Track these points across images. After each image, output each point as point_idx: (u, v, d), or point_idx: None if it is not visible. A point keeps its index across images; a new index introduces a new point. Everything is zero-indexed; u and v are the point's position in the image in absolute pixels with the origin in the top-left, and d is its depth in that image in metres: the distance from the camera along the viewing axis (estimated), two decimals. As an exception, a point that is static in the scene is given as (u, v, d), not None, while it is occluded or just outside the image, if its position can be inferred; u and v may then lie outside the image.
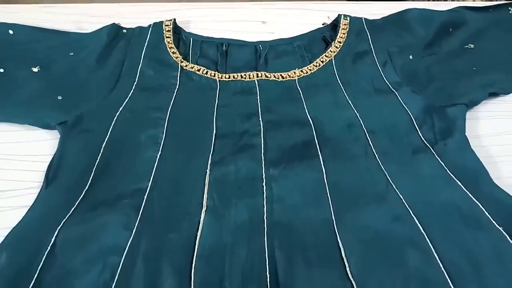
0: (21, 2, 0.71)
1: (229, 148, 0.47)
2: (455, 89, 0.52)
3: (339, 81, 0.54)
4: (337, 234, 0.40)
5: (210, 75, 0.55)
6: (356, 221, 0.41)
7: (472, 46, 0.58)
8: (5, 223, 0.41)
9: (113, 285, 0.36)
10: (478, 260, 0.37)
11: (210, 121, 0.50)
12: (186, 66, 0.56)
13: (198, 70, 0.55)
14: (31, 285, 0.36)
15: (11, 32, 0.58)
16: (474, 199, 0.42)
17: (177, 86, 0.53)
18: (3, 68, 0.54)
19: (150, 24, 0.60)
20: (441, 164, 0.45)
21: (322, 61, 0.56)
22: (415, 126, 0.49)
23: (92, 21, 0.61)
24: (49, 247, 0.38)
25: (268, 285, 0.37)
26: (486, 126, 0.51)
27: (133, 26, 0.60)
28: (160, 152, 0.46)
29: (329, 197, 0.42)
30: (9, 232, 0.40)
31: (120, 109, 0.50)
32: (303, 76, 0.55)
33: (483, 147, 0.48)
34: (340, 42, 0.58)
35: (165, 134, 0.48)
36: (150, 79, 0.54)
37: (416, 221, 0.40)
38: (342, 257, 0.38)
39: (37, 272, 0.37)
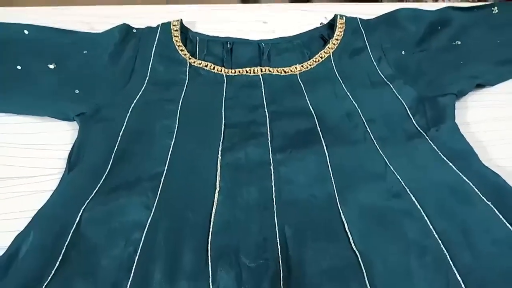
0: (30, 5, 0.73)
1: (238, 136, 0.50)
2: (445, 80, 0.56)
3: (337, 75, 0.58)
4: (340, 209, 0.43)
5: (217, 70, 0.58)
6: (357, 197, 0.44)
7: (459, 42, 0.61)
8: (31, 206, 0.43)
9: (136, 258, 0.39)
10: (470, 231, 0.41)
11: (219, 112, 0.53)
12: (194, 62, 0.59)
13: (206, 66, 0.58)
14: (58, 261, 0.39)
15: (26, 32, 0.61)
16: (465, 178, 0.45)
17: (187, 81, 0.56)
18: (20, 65, 0.57)
19: (159, 24, 0.63)
20: (434, 147, 0.48)
21: (321, 57, 0.60)
22: (409, 115, 0.52)
23: (102, 22, 0.64)
24: (74, 226, 0.41)
25: (280, 257, 0.39)
26: (474, 114, 0.55)
27: (142, 26, 0.63)
28: (174, 140, 0.49)
29: (332, 178, 0.46)
30: (36, 213, 0.42)
31: (135, 101, 0.53)
32: (304, 71, 0.58)
33: (471, 133, 0.52)
34: (337, 40, 0.62)
35: (178, 124, 0.51)
36: (161, 74, 0.57)
37: (412, 198, 0.43)
38: (346, 231, 0.41)
39: (64, 249, 0.40)
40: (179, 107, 0.53)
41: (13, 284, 0.37)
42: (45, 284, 0.37)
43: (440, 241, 0.40)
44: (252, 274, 0.38)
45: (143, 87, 0.55)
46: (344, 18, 0.64)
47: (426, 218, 0.42)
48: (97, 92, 0.54)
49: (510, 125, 0.54)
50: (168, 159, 0.47)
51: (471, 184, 0.44)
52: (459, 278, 0.38)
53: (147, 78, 0.56)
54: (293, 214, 0.43)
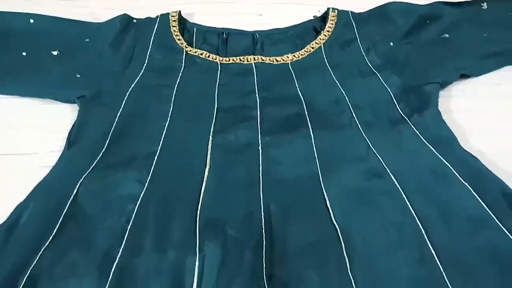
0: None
1: (229, 119, 0.53)
2: (430, 70, 0.58)
3: (327, 65, 0.60)
4: (323, 188, 0.45)
5: (212, 58, 0.60)
6: (339, 177, 0.46)
7: (447, 35, 0.63)
8: (32, 180, 0.46)
9: (129, 228, 0.41)
10: (446, 209, 0.43)
11: (212, 97, 0.55)
12: (190, 51, 0.61)
13: (201, 54, 0.61)
14: (55, 229, 0.41)
15: (32, 21, 0.63)
16: (444, 161, 0.47)
17: (183, 68, 0.59)
18: (25, 51, 0.59)
19: (158, 15, 0.66)
20: (416, 132, 0.50)
21: (313, 47, 0.62)
22: (394, 102, 0.54)
23: (105, 14, 0.66)
24: (71, 197, 0.43)
25: (264, 229, 0.42)
26: (457, 102, 0.57)
27: (142, 17, 0.66)
28: (168, 122, 0.52)
29: (316, 159, 0.48)
30: (36, 186, 0.45)
31: (132, 85, 0.55)
32: (295, 60, 0.61)
33: (454, 120, 0.54)
34: (328, 31, 0.64)
35: (173, 107, 0.53)
36: (158, 61, 0.59)
37: (393, 178, 0.45)
38: (327, 208, 0.43)
39: (61, 218, 0.42)
40: (174, 92, 0.55)
41: (14, 249, 0.40)
42: (42, 249, 0.39)
43: (416, 218, 0.42)
44: (236, 243, 0.40)
45: (141, 73, 0.57)
46: (336, 11, 0.66)
47: (404, 197, 0.44)
48: (97, 77, 0.57)
49: (491, 114, 0.55)
50: (162, 139, 0.50)
51: (450, 167, 0.46)
52: (433, 252, 0.39)
53: (145, 64, 0.59)
54: (278, 192, 0.45)
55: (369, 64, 0.59)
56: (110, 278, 0.38)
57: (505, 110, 0.56)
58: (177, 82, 0.56)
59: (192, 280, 0.38)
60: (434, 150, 0.48)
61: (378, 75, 0.58)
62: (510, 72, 0.60)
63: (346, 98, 0.55)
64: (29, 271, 0.38)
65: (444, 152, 0.48)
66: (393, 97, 0.55)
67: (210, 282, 0.37)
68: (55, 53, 0.59)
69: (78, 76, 0.56)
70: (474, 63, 0.60)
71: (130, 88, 0.55)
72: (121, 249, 0.40)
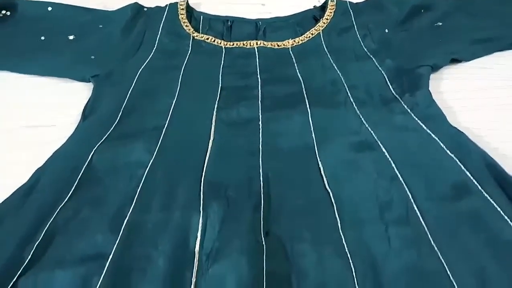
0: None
1: (232, 98, 0.56)
2: (423, 55, 0.60)
3: (325, 50, 0.63)
4: (318, 157, 0.48)
5: (217, 43, 0.64)
6: (333, 147, 0.49)
7: (440, 24, 0.66)
8: (50, 149, 0.49)
9: (138, 191, 0.44)
10: (432, 176, 0.45)
11: (217, 77, 0.58)
12: (196, 36, 0.65)
13: (207, 39, 0.64)
14: (70, 191, 0.44)
15: (50, 8, 0.67)
16: (432, 134, 0.49)
17: (189, 51, 0.62)
18: (44, 36, 0.64)
19: (167, 4, 0.69)
20: (407, 109, 0.53)
21: (312, 34, 0.65)
22: (387, 83, 0.57)
23: (116, 2, 0.70)
24: (86, 163, 0.46)
25: (262, 192, 0.44)
26: (447, 84, 0.59)
27: (152, 6, 0.69)
28: (175, 99, 0.55)
29: (312, 132, 0.51)
30: (53, 153, 0.48)
31: (142, 66, 0.59)
32: (296, 45, 0.64)
33: (444, 100, 0.56)
34: (327, 19, 0.67)
35: (180, 86, 0.57)
36: (167, 45, 0.63)
37: (383, 149, 0.48)
38: (321, 174, 0.46)
39: (76, 182, 0.45)
40: (181, 73, 0.59)
41: (32, 208, 0.43)
42: (58, 209, 0.42)
43: (404, 184, 0.44)
44: (236, 204, 0.43)
45: (151, 55, 0.61)
46: (335, 1, 0.69)
47: (393, 166, 0.46)
48: (110, 58, 0.60)
49: (480, 94, 0.58)
50: (170, 114, 0.53)
51: (438, 140, 0.48)
52: (418, 214, 0.42)
53: (154, 48, 0.62)
54: (276, 161, 0.48)
55: (365, 49, 0.62)
56: (120, 233, 0.40)
57: (493, 90, 0.58)
58: (184, 64, 0.60)
59: (196, 235, 0.41)
60: (423, 126, 0.50)
61: (373, 59, 0.60)
62: (499, 58, 0.63)
63: (342, 79, 0.58)
64: (46, 227, 0.41)
65: (433, 127, 0.50)
66: (387, 79, 0.57)
67: (212, 237, 0.40)
68: (71, 37, 0.63)
69: (93, 57, 0.60)
70: (465, 49, 0.62)
71: (141, 69, 0.58)
72: (131, 208, 0.43)
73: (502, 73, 0.61)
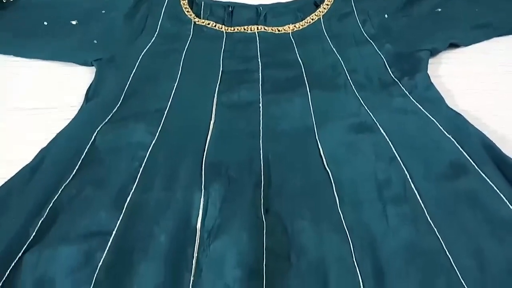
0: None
1: (233, 81, 0.56)
2: (422, 39, 0.60)
3: (326, 35, 0.63)
4: (317, 138, 0.48)
5: (218, 28, 0.64)
6: (333, 129, 0.49)
7: (439, 9, 0.66)
8: (53, 130, 0.49)
9: (141, 170, 0.45)
10: (430, 156, 0.45)
11: (218, 61, 0.58)
12: (198, 21, 0.65)
13: (208, 24, 0.64)
14: (74, 170, 0.44)
15: (53, -6, 0.67)
16: (430, 116, 0.49)
17: (191, 36, 0.62)
18: (46, 22, 0.64)
19: (169, -10, 0.69)
20: (405, 92, 0.53)
21: (312, 19, 0.65)
22: (386, 67, 0.57)
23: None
24: (89, 144, 0.47)
25: (262, 172, 0.45)
26: (446, 68, 0.59)
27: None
28: (177, 83, 0.55)
29: (312, 114, 0.51)
30: (57, 134, 0.49)
31: (144, 50, 0.59)
32: (296, 30, 0.64)
33: (442, 83, 0.56)
34: (327, 5, 0.67)
35: (181, 70, 0.57)
36: (169, 30, 0.63)
37: (382, 131, 0.48)
38: (321, 156, 0.46)
39: (80, 161, 0.45)
40: (183, 57, 0.59)
41: (37, 186, 0.43)
42: (63, 187, 0.43)
43: (402, 164, 0.45)
44: (237, 183, 0.44)
45: (152, 40, 0.61)
46: (335, -14, 0.69)
47: (392, 146, 0.46)
48: (112, 43, 0.61)
49: (479, 79, 0.58)
50: (171, 97, 0.53)
51: (435, 121, 0.49)
52: (416, 193, 0.42)
53: (156, 33, 0.62)
54: (276, 142, 0.48)
55: (365, 34, 0.62)
56: (123, 211, 0.41)
57: (492, 75, 0.58)
58: (186, 48, 0.60)
59: (198, 213, 0.41)
60: (422, 108, 0.51)
61: (373, 43, 0.60)
62: (498, 43, 0.63)
63: (342, 63, 0.58)
64: (50, 205, 0.41)
65: (431, 109, 0.50)
66: (386, 63, 0.57)
67: (213, 215, 0.41)
68: (74, 22, 0.63)
69: (95, 41, 0.60)
70: (464, 34, 0.63)
71: (143, 53, 0.59)
72: (133, 188, 0.43)
73: (501, 58, 0.61)
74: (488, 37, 0.63)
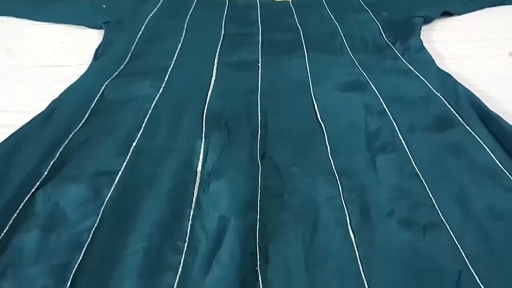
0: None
1: (234, 43, 0.58)
2: (416, 7, 0.62)
3: (324, 3, 0.64)
4: (312, 93, 0.50)
5: None
6: (327, 85, 0.51)
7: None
8: (64, 85, 0.51)
9: (146, 120, 0.46)
10: (416, 109, 0.47)
11: (220, 25, 0.60)
12: (201, -9, 0.66)
13: None
14: (84, 119, 0.46)
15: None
16: (422, 77, 0.51)
17: (194, 3, 0.64)
18: None
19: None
20: (398, 55, 0.54)
21: (312, -12, 0.66)
22: (381, 32, 0.58)
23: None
24: (98, 95, 0.49)
25: (259, 123, 0.46)
26: (438, 35, 0.61)
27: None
28: (180, 44, 0.57)
29: (308, 72, 0.53)
30: (68, 86, 0.51)
31: (150, 15, 0.61)
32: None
33: (434, 48, 0.58)
34: (327, -22, 0.68)
35: (185, 32, 0.59)
36: None
37: (374, 89, 0.50)
38: (315, 109, 0.48)
39: (89, 111, 0.47)
40: (187, 21, 0.61)
41: (50, 131, 0.45)
42: (73, 132, 0.45)
43: (391, 117, 0.46)
44: (236, 132, 0.45)
45: (159, 5, 0.63)
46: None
47: (382, 101, 0.48)
48: (120, 7, 0.63)
49: (470, 45, 0.59)
50: (175, 56, 0.55)
51: (425, 81, 0.50)
52: (403, 142, 0.44)
53: (161, 0, 0.64)
54: (273, 96, 0.50)
55: (362, 2, 0.63)
56: (129, 154, 0.43)
57: (483, 41, 0.60)
58: (190, 13, 0.62)
59: (199, 158, 0.43)
60: (413, 68, 0.52)
61: (369, 11, 0.62)
62: (490, 12, 0.64)
63: (339, 29, 0.59)
64: (61, 148, 0.43)
65: (421, 70, 0.52)
66: (381, 29, 0.59)
67: (213, 159, 0.42)
68: None
69: (104, 6, 0.62)
70: (458, 3, 0.64)
71: (149, 16, 0.61)
72: (139, 135, 0.45)
73: (493, 26, 0.61)
74: (481, 6, 0.64)
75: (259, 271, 0.33)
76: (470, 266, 0.33)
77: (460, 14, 0.63)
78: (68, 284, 0.33)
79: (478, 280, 0.32)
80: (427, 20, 0.60)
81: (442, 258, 0.34)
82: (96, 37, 0.59)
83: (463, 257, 0.34)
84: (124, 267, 0.34)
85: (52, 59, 0.57)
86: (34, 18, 0.63)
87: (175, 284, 0.33)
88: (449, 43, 0.59)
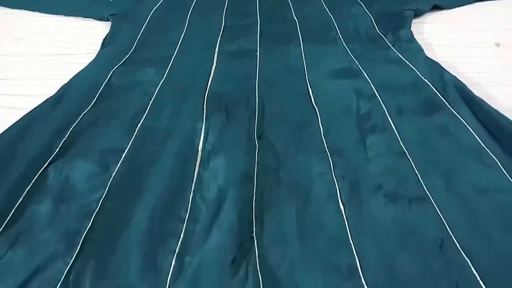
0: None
1: (233, 34, 0.60)
2: (407, 1, 0.64)
3: (320, -4, 0.66)
4: (307, 79, 0.52)
5: None
6: (321, 71, 0.53)
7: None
8: (73, 72, 0.53)
9: (150, 103, 0.49)
10: (406, 95, 0.49)
11: (220, 17, 0.63)
12: (202, -15, 0.69)
13: None
14: (91, 103, 0.49)
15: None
16: (411, 65, 0.53)
17: None
18: None
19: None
20: (389, 45, 0.56)
21: (308, -18, 0.68)
22: (373, 24, 0.61)
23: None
24: (105, 81, 0.51)
25: (257, 108, 0.48)
26: (428, 27, 0.63)
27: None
28: (183, 35, 0.59)
29: (304, 59, 0.55)
30: (76, 73, 0.53)
31: (155, 7, 0.64)
32: (293, -7, 0.67)
33: (425, 39, 0.60)
34: (322, -29, 0.70)
35: (187, 24, 0.61)
36: None
37: (366, 76, 0.52)
38: (309, 94, 0.50)
39: (97, 95, 0.50)
40: (189, 13, 0.63)
41: (60, 113, 0.48)
42: (82, 114, 0.47)
43: (381, 101, 0.48)
44: (234, 115, 0.47)
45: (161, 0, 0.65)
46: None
47: (373, 87, 0.50)
48: (125, 1, 0.65)
49: (459, 36, 0.61)
50: (178, 46, 0.57)
51: (415, 69, 0.52)
52: (392, 124, 0.45)
53: (165, -6, 0.66)
54: (271, 82, 0.52)
55: (356, -4, 0.65)
56: (134, 134, 0.45)
57: (472, 33, 0.61)
58: (192, 7, 0.65)
59: (199, 138, 0.45)
60: (403, 58, 0.54)
61: (362, 4, 0.64)
62: (480, 7, 0.65)
63: (334, 21, 0.62)
64: (71, 128, 0.45)
65: (411, 59, 0.54)
66: (373, 21, 0.61)
67: (213, 139, 0.45)
68: None
69: (111, 0, 0.64)
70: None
71: (154, 9, 0.64)
72: (144, 116, 0.47)
73: (482, 18, 0.63)
74: (470, 1, 0.66)
75: (255, 237, 0.35)
76: (451, 234, 0.35)
77: (450, 8, 0.65)
78: (78, 248, 0.35)
79: (458, 246, 0.34)
80: (418, 13, 0.63)
81: (426, 227, 0.36)
82: (103, 28, 0.62)
83: (445, 226, 0.36)
84: (129, 234, 0.36)
85: (62, 48, 0.60)
86: (43, 11, 0.66)
87: (177, 249, 0.35)
88: (438, 34, 0.61)
